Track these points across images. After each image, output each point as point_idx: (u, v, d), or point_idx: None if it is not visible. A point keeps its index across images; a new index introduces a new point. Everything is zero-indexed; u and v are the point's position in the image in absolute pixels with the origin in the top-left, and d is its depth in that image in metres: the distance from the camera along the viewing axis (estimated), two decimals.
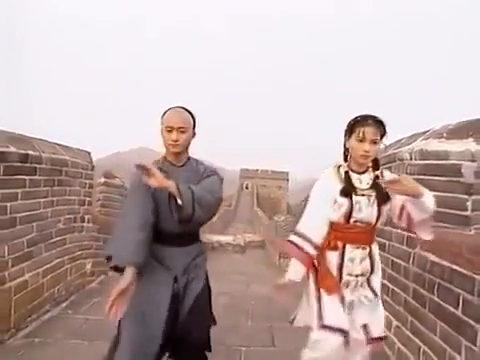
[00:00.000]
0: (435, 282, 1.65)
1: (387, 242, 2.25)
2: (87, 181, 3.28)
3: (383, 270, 2.28)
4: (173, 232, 1.47)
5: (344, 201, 1.42)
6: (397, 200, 1.41)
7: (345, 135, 1.48)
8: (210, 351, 1.56)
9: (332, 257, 1.48)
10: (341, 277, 1.47)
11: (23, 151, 2.29)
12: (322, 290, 1.49)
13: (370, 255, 1.48)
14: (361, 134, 1.36)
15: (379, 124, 1.37)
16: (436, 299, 1.63)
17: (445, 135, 1.87)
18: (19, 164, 2.25)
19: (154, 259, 1.46)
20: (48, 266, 2.65)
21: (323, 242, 1.48)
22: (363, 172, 1.47)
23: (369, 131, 1.36)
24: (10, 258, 2.21)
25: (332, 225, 1.48)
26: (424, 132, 2.09)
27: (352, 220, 1.43)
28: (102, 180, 4.01)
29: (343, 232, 1.47)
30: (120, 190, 4.39)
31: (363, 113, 1.42)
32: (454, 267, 1.52)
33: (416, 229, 1.46)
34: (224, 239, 8.82)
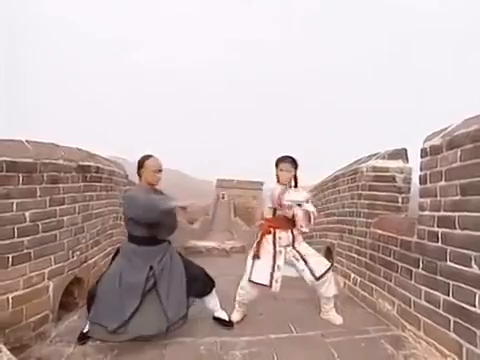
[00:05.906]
0: (380, 245, 2.73)
1: (353, 228, 3.32)
2: (123, 187, 4.12)
3: (350, 247, 3.36)
4: (143, 236, 2.23)
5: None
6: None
7: (275, 167, 2.51)
8: (214, 285, 2.42)
9: (269, 237, 2.48)
10: (275, 248, 2.44)
11: (96, 164, 3.14)
12: (255, 258, 2.44)
13: (292, 234, 2.46)
14: (281, 166, 2.47)
15: (291, 160, 2.46)
16: (381, 255, 2.70)
17: (386, 157, 3.00)
18: (95, 174, 3.10)
19: (133, 254, 2.23)
20: (104, 252, 3.46)
21: (263, 230, 2.51)
22: (289, 188, 2.48)
23: (285, 166, 2.46)
24: (89, 243, 3.04)
25: (267, 219, 2.52)
26: (374, 154, 3.21)
27: (277, 214, 2.46)
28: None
29: (273, 222, 2.49)
30: None
31: (283, 155, 2.51)
32: (390, 234, 2.59)
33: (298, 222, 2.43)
34: (210, 244, 9.72)
